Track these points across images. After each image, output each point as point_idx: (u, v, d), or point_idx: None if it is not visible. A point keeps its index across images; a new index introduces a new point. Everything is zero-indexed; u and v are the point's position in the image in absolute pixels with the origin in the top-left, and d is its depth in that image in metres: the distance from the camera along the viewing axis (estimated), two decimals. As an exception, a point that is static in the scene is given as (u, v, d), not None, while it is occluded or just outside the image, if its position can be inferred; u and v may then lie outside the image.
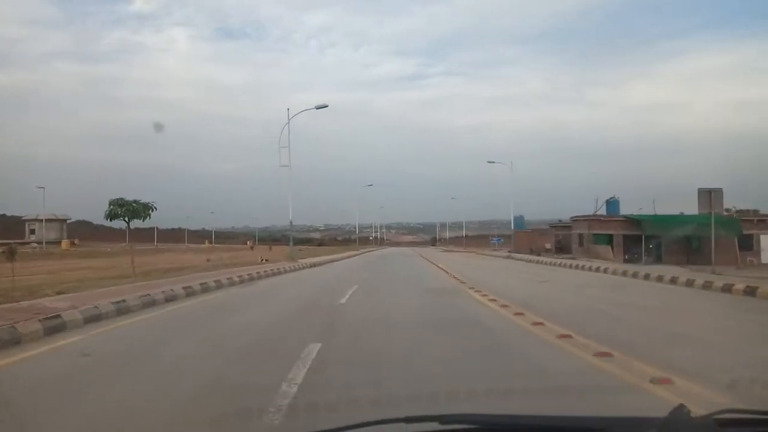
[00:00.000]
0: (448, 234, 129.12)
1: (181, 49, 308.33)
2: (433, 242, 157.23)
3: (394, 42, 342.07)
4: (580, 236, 44.92)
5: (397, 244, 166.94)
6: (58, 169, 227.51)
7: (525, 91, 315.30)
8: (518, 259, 46.19)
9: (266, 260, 37.37)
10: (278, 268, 28.97)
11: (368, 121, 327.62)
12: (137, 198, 20.10)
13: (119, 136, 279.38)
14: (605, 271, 27.92)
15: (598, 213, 43.90)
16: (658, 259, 38.34)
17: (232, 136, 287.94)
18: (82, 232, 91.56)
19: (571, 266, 33.68)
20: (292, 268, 31.90)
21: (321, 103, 40.69)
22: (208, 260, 36.30)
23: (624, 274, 25.36)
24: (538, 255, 51.27)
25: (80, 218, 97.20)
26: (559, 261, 38.17)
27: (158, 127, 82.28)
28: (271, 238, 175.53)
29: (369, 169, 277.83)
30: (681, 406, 2.03)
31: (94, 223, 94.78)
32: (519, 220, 60.52)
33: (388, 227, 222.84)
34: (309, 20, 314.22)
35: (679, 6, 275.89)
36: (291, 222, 44.72)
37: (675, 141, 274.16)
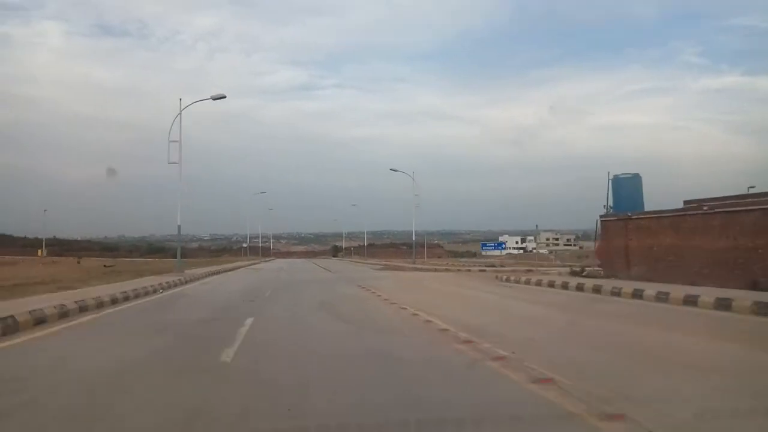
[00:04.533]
0: (361, 243, 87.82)
1: (53, 45, 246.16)
2: (335, 252, 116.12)
3: (287, 51, 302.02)
4: None
5: (289, 254, 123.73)
6: None
7: (413, 107, 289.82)
8: None
9: None
10: None
11: (260, 130, 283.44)
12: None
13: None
14: None
15: None
16: None
17: (108, 139, 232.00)
18: None
19: None
20: None
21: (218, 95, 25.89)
22: None
23: None
24: None
25: None
26: None
27: (111, 172, 54.33)
28: (131, 247, 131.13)
29: (260, 177, 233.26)
30: None
31: None
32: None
33: (279, 237, 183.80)
34: (196, 22, 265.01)
35: (542, 36, 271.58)
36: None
37: (544, 161, 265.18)
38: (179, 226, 25.66)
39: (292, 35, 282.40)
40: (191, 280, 21.82)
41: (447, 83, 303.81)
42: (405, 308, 12.14)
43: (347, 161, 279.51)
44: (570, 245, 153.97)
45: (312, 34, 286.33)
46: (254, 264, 52.08)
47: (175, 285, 19.02)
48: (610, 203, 21.79)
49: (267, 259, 79.29)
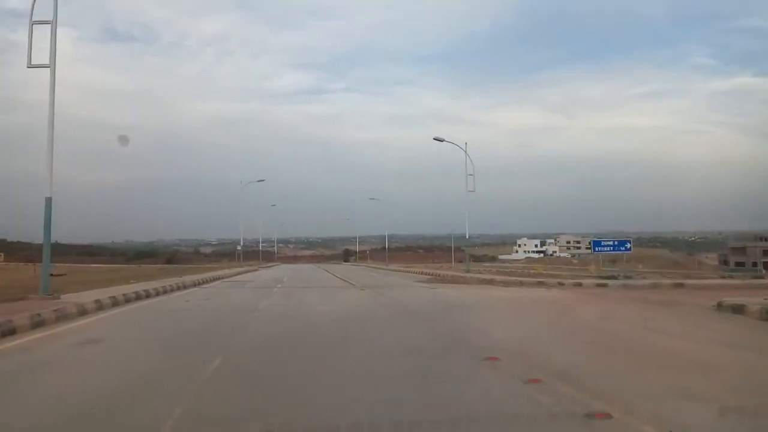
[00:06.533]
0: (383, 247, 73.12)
1: (60, 50, 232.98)
2: (346, 257, 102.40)
3: (294, 55, 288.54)
4: None
5: (295, 259, 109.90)
6: None
7: (419, 109, 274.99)
8: None
9: None
10: None
11: (267, 133, 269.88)
12: None
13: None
14: None
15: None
16: None
17: (116, 143, 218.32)
18: None
19: None
20: None
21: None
22: None
23: None
24: None
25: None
26: None
27: (123, 140, 39.39)
28: (120, 251, 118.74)
29: (267, 181, 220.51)
30: None
31: None
32: None
33: (286, 242, 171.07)
34: (203, 27, 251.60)
35: (550, 38, 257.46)
36: None
37: (551, 163, 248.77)
38: (48, 201, 11.88)
39: (298, 39, 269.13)
40: (30, 329, 8.03)
41: (454, 86, 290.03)
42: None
43: (354, 165, 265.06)
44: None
45: (318, 38, 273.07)
46: (248, 272, 38.14)
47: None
48: None
49: (269, 264, 65.35)
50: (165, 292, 16.12)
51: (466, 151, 29.02)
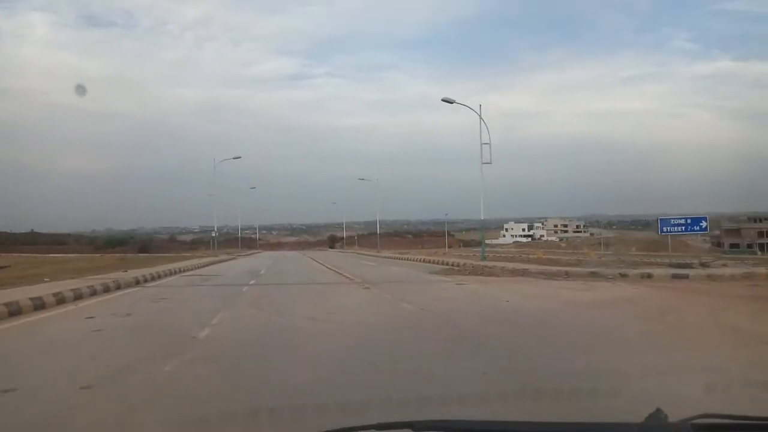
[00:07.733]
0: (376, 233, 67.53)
1: (39, 36, 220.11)
2: (332, 243, 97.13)
3: (276, 40, 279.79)
4: None
5: (279, 246, 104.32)
6: None
7: (404, 95, 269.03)
8: None
9: None
10: None
11: (249, 120, 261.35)
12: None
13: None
14: None
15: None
16: None
17: (96, 130, 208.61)
18: None
19: None
20: None
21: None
22: None
23: None
24: None
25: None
26: None
27: (80, 90, 43.68)
28: (90, 240, 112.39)
29: (250, 167, 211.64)
30: (658, 411, 1.69)
31: None
32: None
33: (270, 229, 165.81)
34: (183, 12, 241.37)
35: (536, 22, 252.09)
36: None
37: (536, 147, 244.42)
38: None
39: (281, 24, 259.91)
40: None
41: (439, 70, 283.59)
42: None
43: (339, 150, 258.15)
44: (580, 232, 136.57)
45: (302, 23, 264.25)
46: (222, 261, 32.63)
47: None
48: None
49: (249, 252, 59.74)
50: (79, 297, 10.76)
51: (480, 115, 23.82)
